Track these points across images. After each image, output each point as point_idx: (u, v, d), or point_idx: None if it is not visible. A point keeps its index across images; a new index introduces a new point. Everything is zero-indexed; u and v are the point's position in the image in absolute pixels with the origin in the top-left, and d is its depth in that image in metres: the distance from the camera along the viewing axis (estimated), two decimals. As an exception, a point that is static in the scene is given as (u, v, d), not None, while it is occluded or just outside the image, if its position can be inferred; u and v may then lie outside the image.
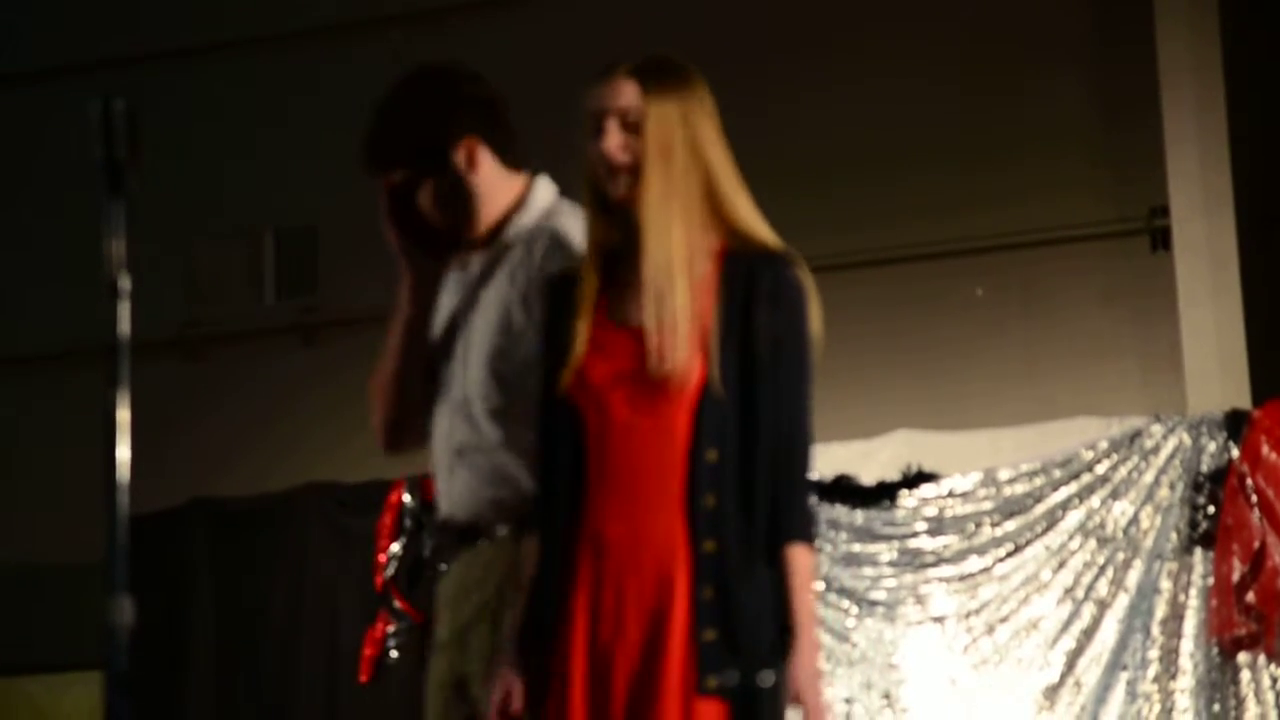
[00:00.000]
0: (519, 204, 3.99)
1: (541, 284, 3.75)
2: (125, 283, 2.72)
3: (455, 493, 3.92)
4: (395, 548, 7.66)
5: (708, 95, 3.60)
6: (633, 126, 3.55)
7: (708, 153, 3.56)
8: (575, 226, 3.88)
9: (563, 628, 3.50)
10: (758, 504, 3.43)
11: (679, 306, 3.46)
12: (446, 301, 4.04)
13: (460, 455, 3.91)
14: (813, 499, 3.49)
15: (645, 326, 3.47)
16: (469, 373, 3.93)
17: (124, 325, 2.72)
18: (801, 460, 3.46)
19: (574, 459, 3.55)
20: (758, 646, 3.39)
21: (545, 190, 4.01)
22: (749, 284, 3.49)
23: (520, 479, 3.81)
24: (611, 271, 3.58)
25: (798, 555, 3.42)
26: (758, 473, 3.44)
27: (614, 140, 3.54)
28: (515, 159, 4.00)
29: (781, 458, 3.45)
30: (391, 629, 7.60)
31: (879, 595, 7.08)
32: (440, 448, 3.96)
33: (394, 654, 7.57)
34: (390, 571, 7.64)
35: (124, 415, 2.70)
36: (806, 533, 3.45)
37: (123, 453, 2.70)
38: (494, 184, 3.98)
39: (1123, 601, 6.77)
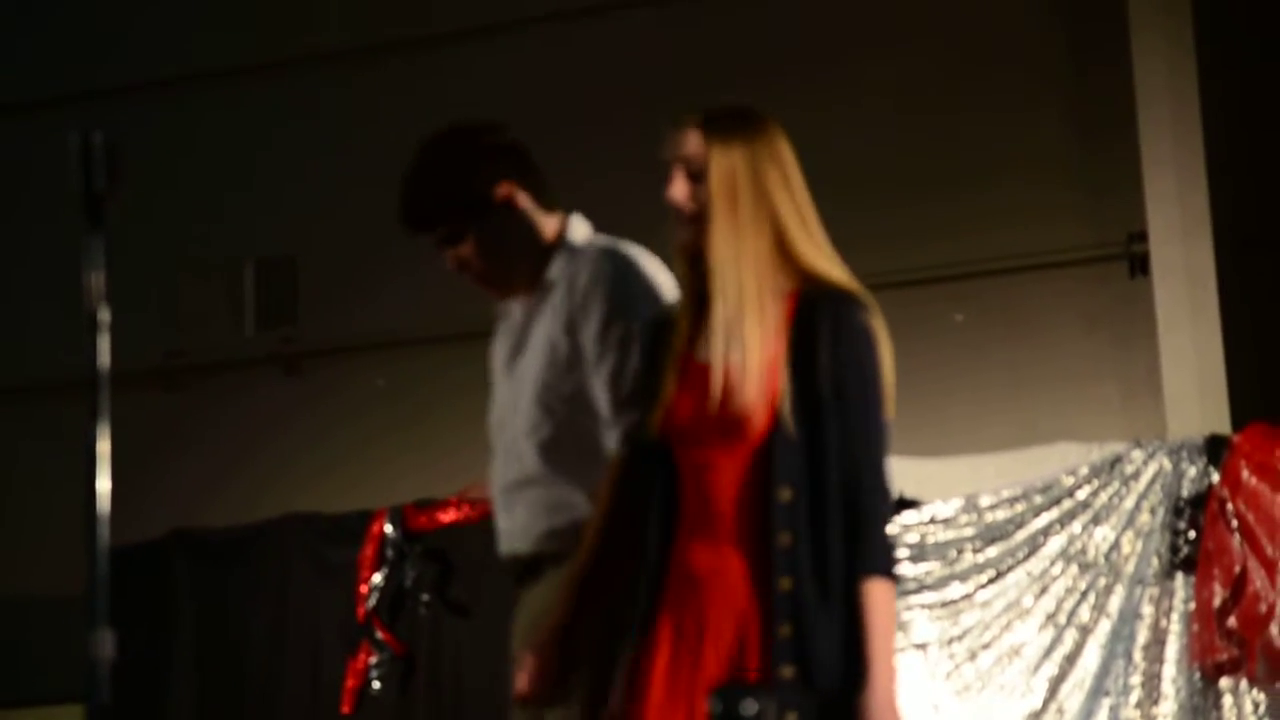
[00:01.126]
0: (558, 243, 4.08)
1: (642, 328, 3.84)
2: (105, 315, 2.74)
3: (515, 528, 4.01)
4: (377, 578, 7.66)
5: (777, 140, 3.67)
6: (697, 174, 3.63)
7: (776, 197, 3.62)
8: (629, 252, 4.02)
9: (644, 656, 3.61)
10: (831, 541, 3.49)
11: (748, 348, 3.53)
12: (498, 352, 4.16)
13: (515, 491, 4.01)
14: (888, 533, 3.50)
15: (713, 367, 3.55)
16: (519, 414, 4.02)
17: (103, 358, 2.73)
18: (871, 496, 3.50)
19: (666, 494, 3.65)
20: (834, 683, 3.45)
21: (580, 228, 4.10)
22: (812, 325, 3.55)
23: (577, 505, 3.92)
24: (702, 309, 3.66)
25: (871, 589, 3.47)
26: (829, 511, 3.50)
27: (678, 189, 3.64)
28: (547, 200, 4.11)
29: (851, 495, 3.49)
30: (374, 660, 7.60)
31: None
32: (496, 489, 4.06)
33: (376, 685, 7.56)
34: (372, 602, 7.63)
35: (104, 447, 2.71)
36: (879, 566, 3.48)
37: (103, 485, 2.72)
38: (536, 223, 4.07)
39: (1105, 627, 6.79)
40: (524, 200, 4.07)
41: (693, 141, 3.65)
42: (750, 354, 3.53)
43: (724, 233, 3.59)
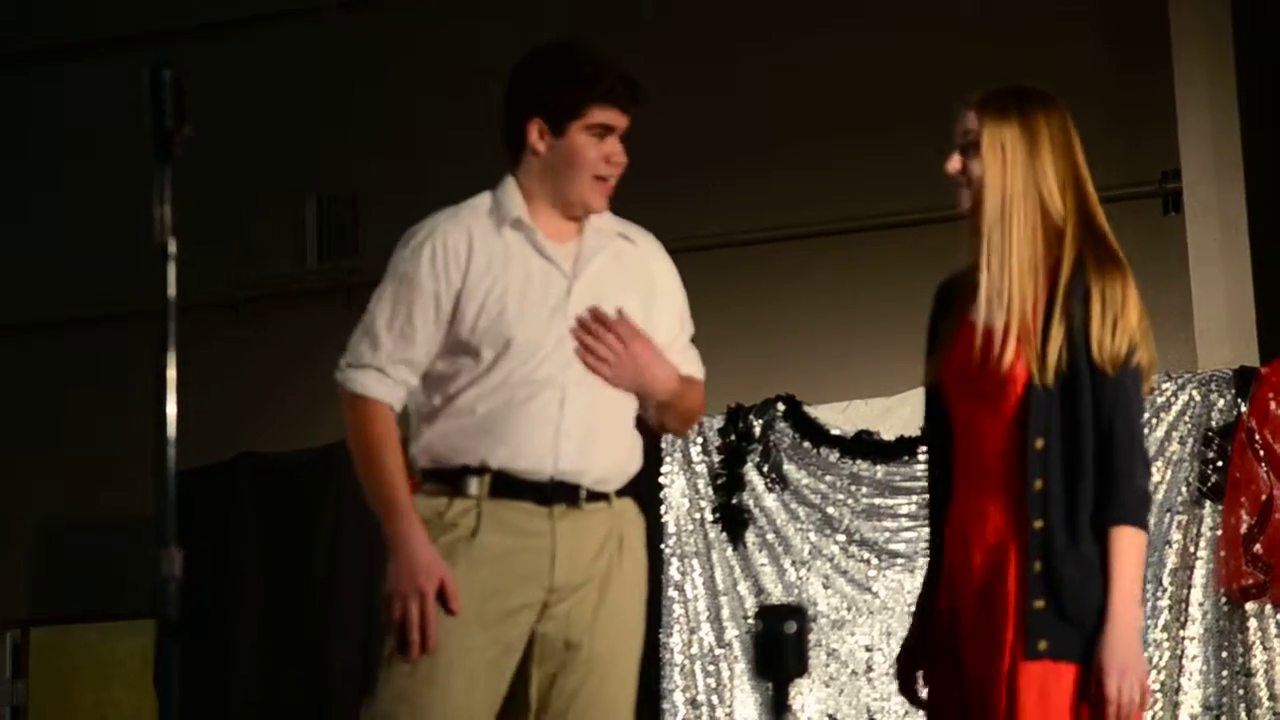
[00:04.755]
0: None
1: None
2: (173, 247, 2.76)
3: (604, 459, 4.17)
4: (430, 498, 7.78)
5: (1052, 118, 3.90)
6: (970, 147, 3.89)
7: (1046, 168, 3.86)
8: None
9: (933, 594, 3.96)
10: (1081, 487, 3.74)
11: (1011, 309, 3.79)
12: (546, 269, 4.19)
13: (615, 424, 4.20)
14: (1140, 483, 3.74)
15: (978, 329, 3.82)
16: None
17: (172, 288, 2.77)
18: (1125, 451, 3.74)
19: (945, 445, 3.95)
20: (1082, 614, 3.72)
21: None
22: (1076, 291, 3.78)
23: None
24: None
25: (1116, 537, 3.73)
26: (1082, 461, 3.74)
27: (952, 161, 3.92)
28: None
29: (1104, 448, 3.74)
30: (428, 578, 7.72)
31: (899, 547, 7.23)
32: (583, 411, 4.14)
33: (431, 601, 7.68)
34: (425, 521, 7.76)
35: (172, 374, 2.76)
36: (1126, 516, 3.74)
37: (171, 410, 2.75)
38: None
39: (1135, 553, 6.87)
40: None
41: (968, 118, 3.91)
42: (1013, 318, 3.78)
43: (992, 200, 3.84)
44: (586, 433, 4.08)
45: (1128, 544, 3.73)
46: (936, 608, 3.96)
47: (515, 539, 4.06)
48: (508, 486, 4.07)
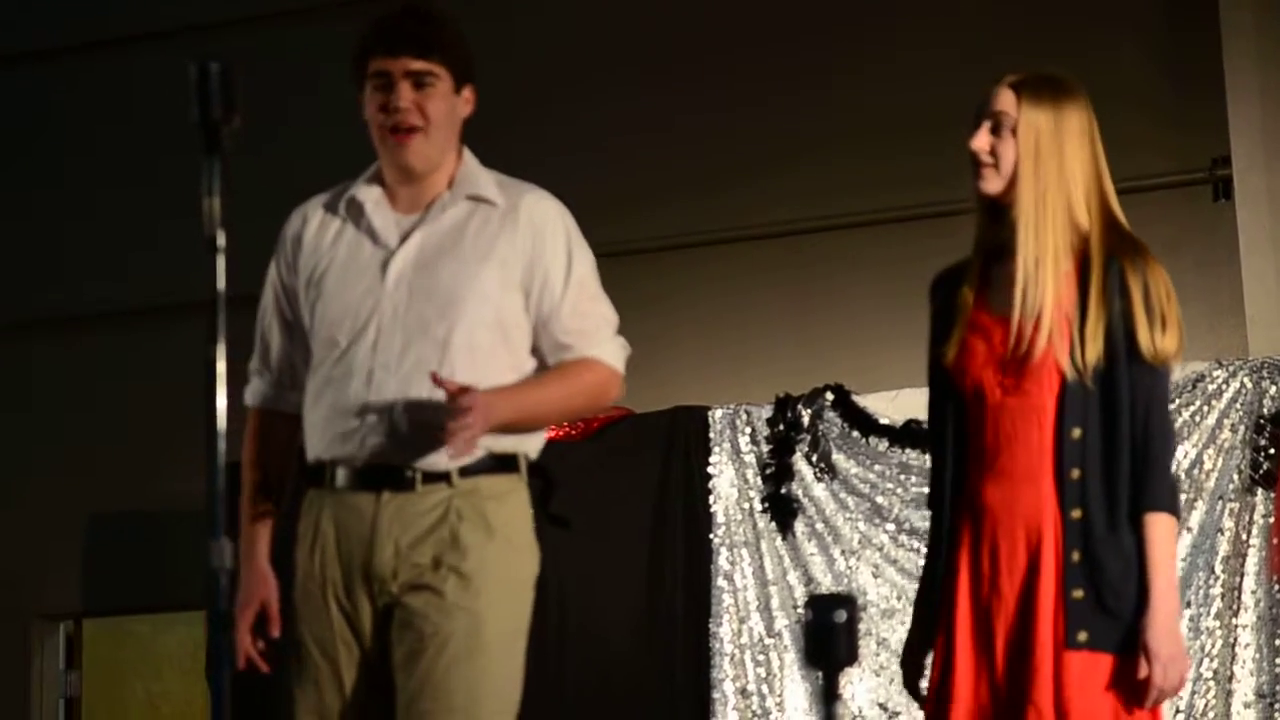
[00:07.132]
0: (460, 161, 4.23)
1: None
2: (222, 239, 2.76)
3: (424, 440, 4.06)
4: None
5: (1083, 108, 3.95)
6: (1001, 129, 3.91)
7: (1075, 159, 3.90)
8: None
9: (948, 584, 3.94)
10: (1119, 477, 3.80)
11: (1046, 298, 3.83)
12: (365, 238, 4.15)
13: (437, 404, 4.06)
14: (1173, 472, 3.86)
15: (1013, 316, 3.86)
16: (462, 322, 4.06)
17: (221, 280, 2.77)
18: (1160, 439, 3.83)
19: (956, 433, 3.96)
20: (1121, 604, 3.79)
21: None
22: (1112, 279, 3.84)
23: None
24: (992, 264, 3.97)
25: (1154, 523, 3.81)
26: (1118, 450, 3.81)
27: (980, 139, 3.93)
28: None
29: (1140, 437, 3.81)
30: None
31: (949, 535, 7.22)
32: (397, 390, 4.08)
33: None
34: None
35: (222, 366, 2.76)
36: (1163, 503, 3.82)
37: (221, 402, 2.75)
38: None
39: (1186, 540, 6.81)
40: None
41: (1004, 99, 3.93)
42: (1047, 304, 3.82)
43: (1028, 187, 3.87)
44: (399, 415, 4.00)
45: (1165, 531, 3.80)
46: (953, 600, 3.94)
47: (342, 528, 4.08)
48: (339, 476, 4.09)
